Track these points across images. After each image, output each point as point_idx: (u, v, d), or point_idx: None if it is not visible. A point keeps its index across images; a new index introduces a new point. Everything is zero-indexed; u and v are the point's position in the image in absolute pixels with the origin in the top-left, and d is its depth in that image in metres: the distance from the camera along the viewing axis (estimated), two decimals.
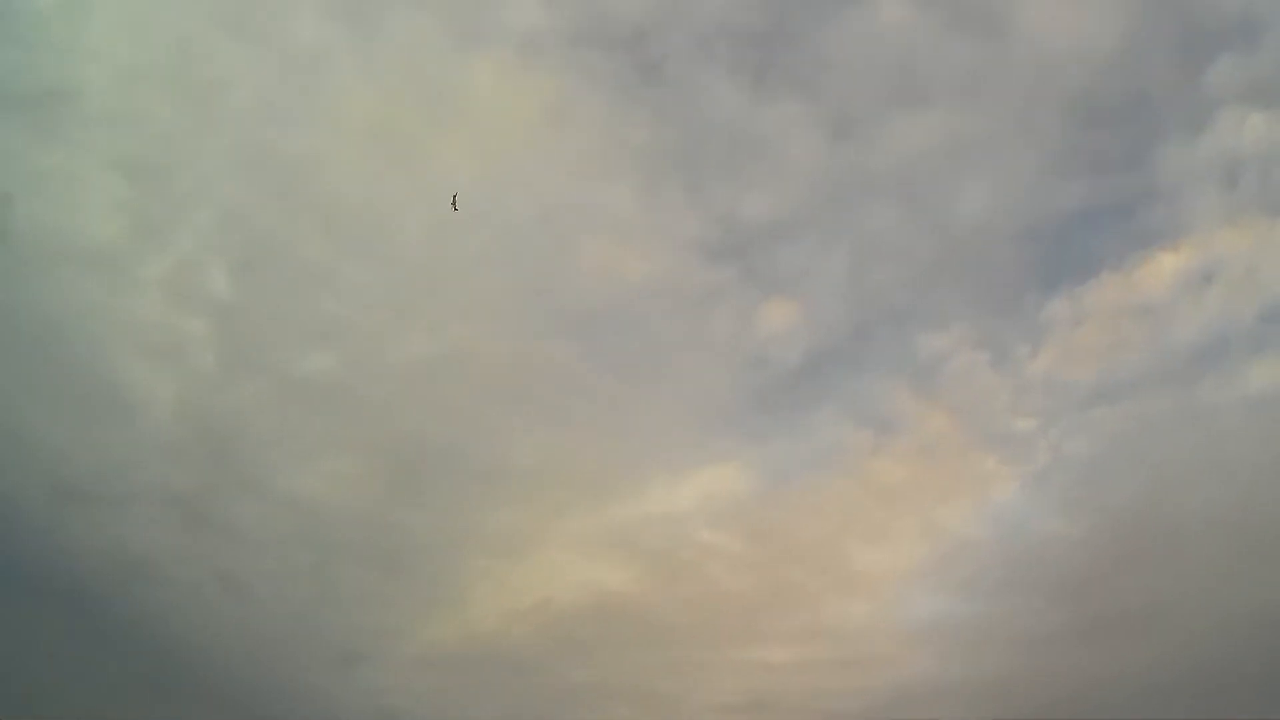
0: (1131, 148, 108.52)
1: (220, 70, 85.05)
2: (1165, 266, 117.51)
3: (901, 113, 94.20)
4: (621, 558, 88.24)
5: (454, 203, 64.45)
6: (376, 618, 79.73)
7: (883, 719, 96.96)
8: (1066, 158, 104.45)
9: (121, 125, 77.57)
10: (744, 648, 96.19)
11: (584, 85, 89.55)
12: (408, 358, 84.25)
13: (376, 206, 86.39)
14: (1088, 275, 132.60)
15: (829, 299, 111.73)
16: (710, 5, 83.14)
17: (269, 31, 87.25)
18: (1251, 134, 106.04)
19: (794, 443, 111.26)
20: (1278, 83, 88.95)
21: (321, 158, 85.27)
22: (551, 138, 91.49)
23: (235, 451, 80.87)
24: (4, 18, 74.58)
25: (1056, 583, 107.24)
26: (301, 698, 72.43)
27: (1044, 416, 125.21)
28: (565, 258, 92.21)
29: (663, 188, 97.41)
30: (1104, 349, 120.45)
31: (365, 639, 78.13)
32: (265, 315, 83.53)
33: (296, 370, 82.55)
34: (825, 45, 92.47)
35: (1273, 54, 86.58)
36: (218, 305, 79.92)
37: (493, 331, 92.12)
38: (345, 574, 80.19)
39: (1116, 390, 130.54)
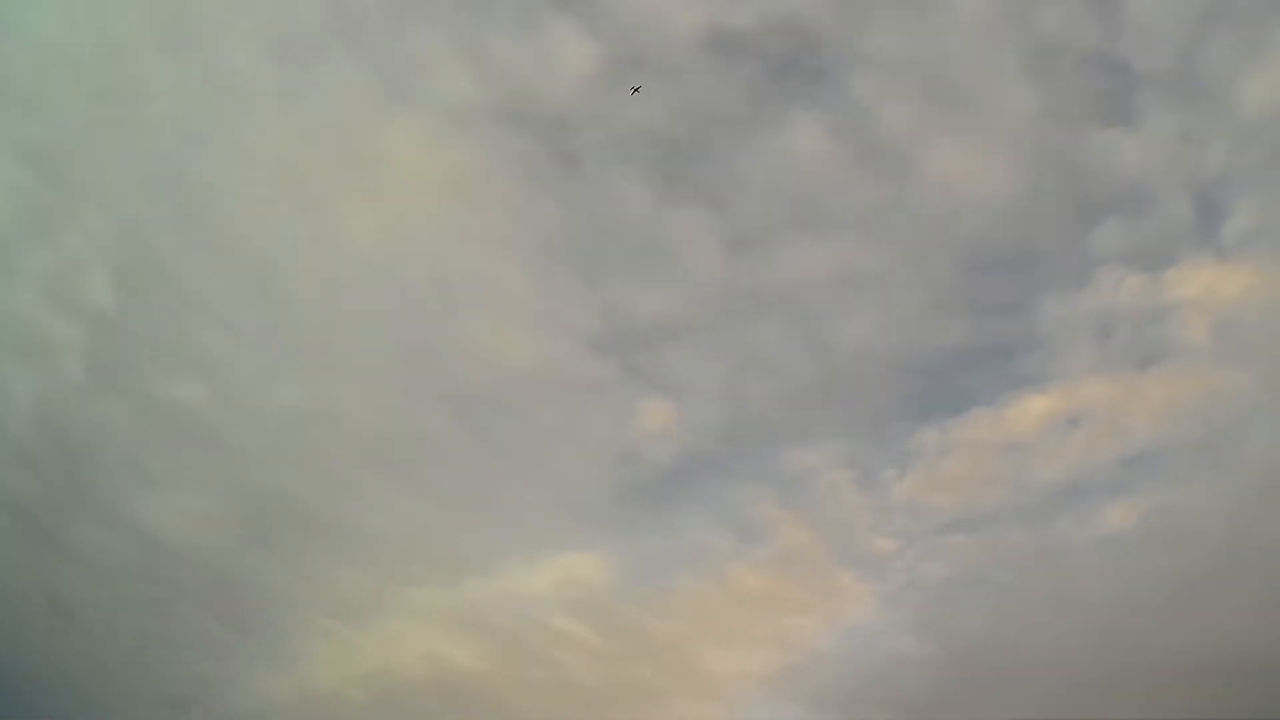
0: (1015, 295, 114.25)
1: (143, 77, 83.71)
2: (1034, 409, 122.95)
3: (801, 237, 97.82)
4: (470, 635, 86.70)
5: None
6: (210, 665, 76.35)
7: None
8: (953, 298, 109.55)
9: (34, 111, 75.34)
10: None
11: (499, 163, 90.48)
12: (280, 404, 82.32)
13: (274, 247, 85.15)
14: (960, 410, 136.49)
15: (706, 405, 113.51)
16: (634, 107, 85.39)
17: (199, 50, 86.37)
18: (1128, 294, 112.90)
19: (657, 541, 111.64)
20: (1157, 249, 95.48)
21: (228, 187, 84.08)
22: (459, 209, 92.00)
23: (89, 469, 77.26)
24: None
25: (903, 701, 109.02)
26: None
27: (903, 539, 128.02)
28: (454, 330, 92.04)
29: (560, 275, 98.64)
30: (968, 480, 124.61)
31: (196, 685, 74.62)
32: (143, 335, 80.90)
33: (165, 396, 79.80)
34: (738, 162, 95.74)
35: (1156, 223, 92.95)
36: (96, 315, 77.00)
37: (370, 392, 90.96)
38: (183, 615, 76.78)
39: (976, 521, 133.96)
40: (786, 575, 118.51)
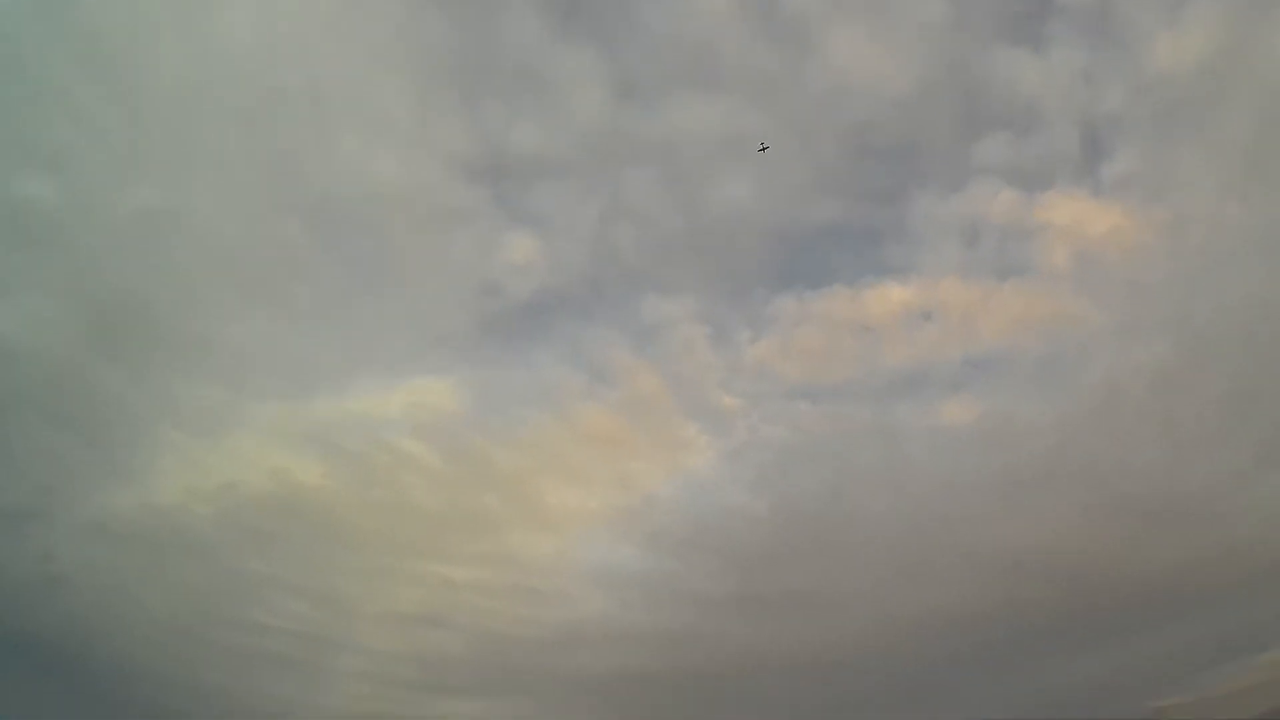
0: (892, 186, 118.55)
1: None
2: (893, 297, 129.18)
3: (690, 92, 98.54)
4: (316, 453, 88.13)
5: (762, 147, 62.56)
6: (51, 476, 75.56)
7: (552, 651, 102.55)
8: (831, 178, 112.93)
9: None
10: (427, 562, 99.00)
11: None
12: (134, 206, 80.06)
13: (138, 37, 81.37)
14: (821, 285, 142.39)
15: (572, 245, 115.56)
16: None
17: None
18: (1001, 207, 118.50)
19: (510, 374, 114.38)
20: (1036, 172, 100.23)
21: None
22: (341, 17, 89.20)
23: None
24: None
25: (735, 553, 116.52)
26: None
27: (750, 399, 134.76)
28: (322, 142, 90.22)
29: (439, 97, 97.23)
30: (819, 353, 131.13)
31: (36, 496, 73.94)
32: None
33: (10, 194, 76.57)
34: (638, 7, 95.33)
35: (1041, 148, 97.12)
36: None
37: (228, 199, 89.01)
38: (22, 423, 75.49)
39: (821, 392, 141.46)
40: (633, 421, 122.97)
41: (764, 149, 76.02)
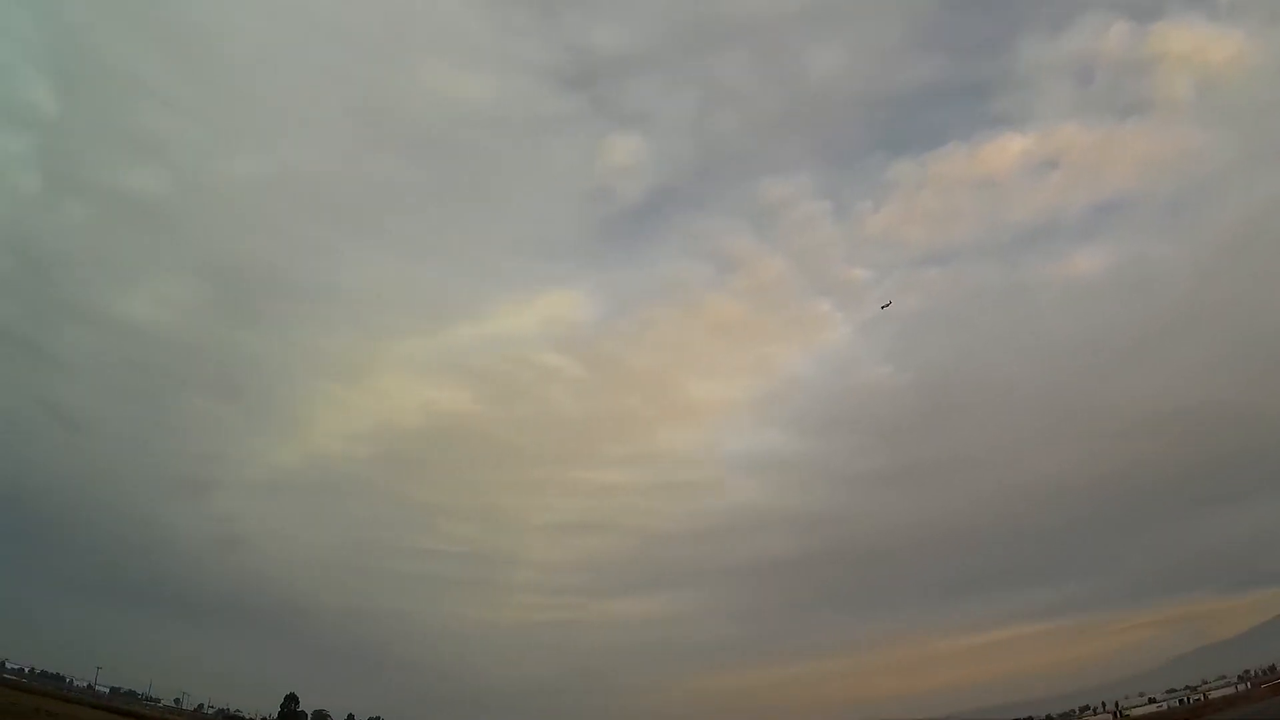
0: (995, 34, 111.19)
1: None
2: (1011, 149, 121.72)
3: None
4: (462, 380, 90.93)
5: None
6: (218, 444, 79.95)
7: (710, 542, 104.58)
8: (929, 34, 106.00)
9: None
10: (582, 469, 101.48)
11: None
12: (238, 176, 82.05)
13: (207, 19, 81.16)
14: (936, 145, 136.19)
15: (676, 138, 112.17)
16: None
17: None
18: (1113, 41, 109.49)
19: (635, 274, 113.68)
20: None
21: None
22: None
23: (62, 276, 77.75)
24: None
25: (876, 427, 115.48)
26: (146, 527, 72.73)
27: (878, 270, 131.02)
28: (409, 77, 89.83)
29: (513, 11, 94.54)
30: (942, 215, 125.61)
31: (209, 466, 78.29)
32: (91, 130, 78.88)
33: (123, 188, 79.03)
34: None
35: None
36: (41, 121, 74.45)
37: (326, 151, 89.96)
38: (183, 400, 79.66)
39: (948, 255, 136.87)
40: (762, 305, 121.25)
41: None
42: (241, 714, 61.46)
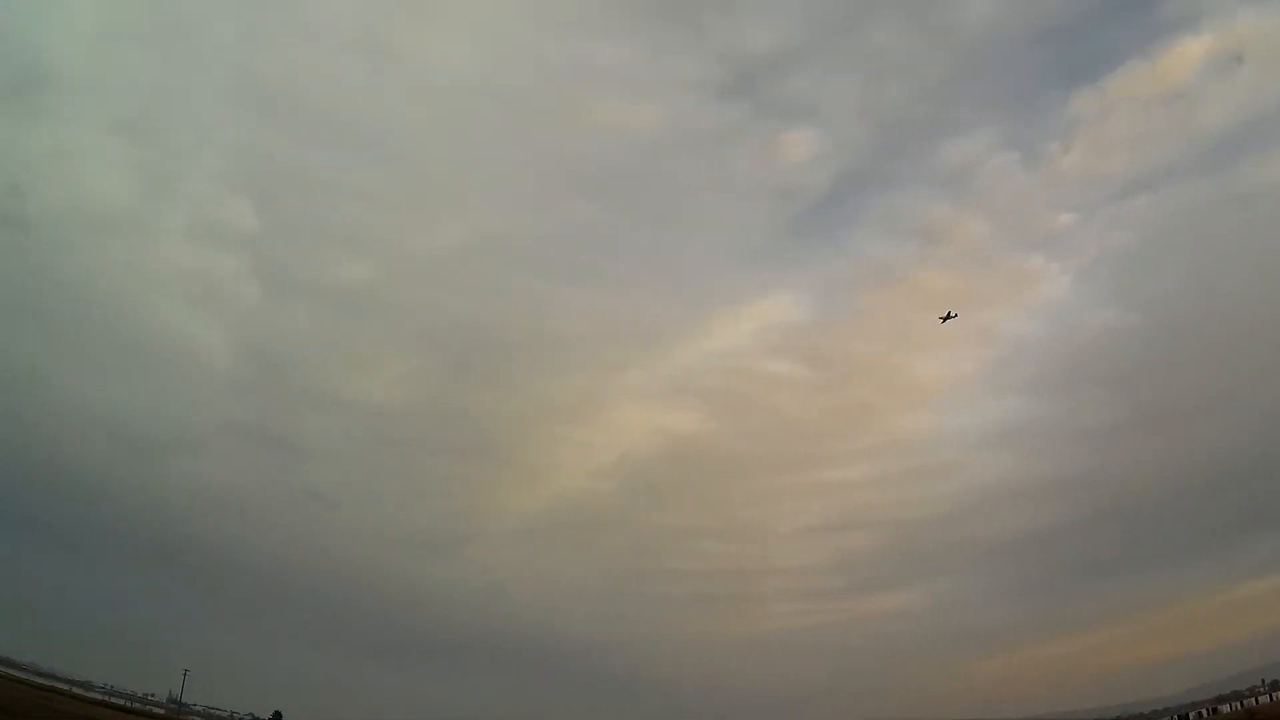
0: None
1: (196, 9, 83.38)
2: (1191, 52, 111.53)
3: None
4: (689, 401, 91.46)
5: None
6: (468, 500, 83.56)
7: (958, 525, 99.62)
8: None
9: (108, 89, 77.36)
10: (819, 470, 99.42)
11: None
12: (439, 249, 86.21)
13: (375, 110, 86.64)
14: (1111, 67, 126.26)
15: (848, 120, 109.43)
16: None
17: None
18: None
19: (837, 265, 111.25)
20: None
21: (312, 74, 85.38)
22: (532, 2, 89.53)
23: (294, 373, 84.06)
24: None
25: (1114, 375, 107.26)
26: (412, 587, 76.81)
27: (1083, 211, 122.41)
28: (574, 119, 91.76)
29: (660, 33, 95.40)
30: (1136, 139, 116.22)
31: (462, 522, 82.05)
32: (296, 236, 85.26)
33: (334, 281, 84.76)
34: None
35: None
36: (248, 237, 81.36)
37: (515, 206, 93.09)
38: (430, 465, 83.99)
39: (1153, 179, 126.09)
40: (973, 270, 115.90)
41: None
42: None
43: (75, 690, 54.82)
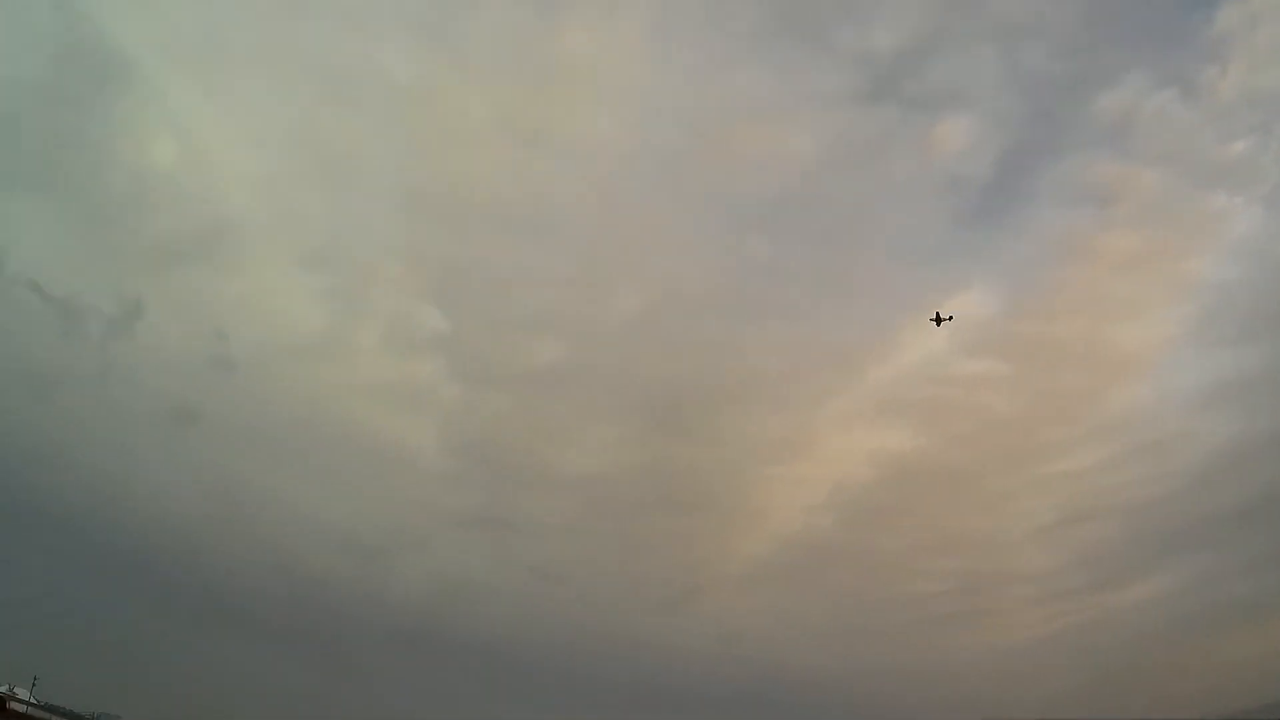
0: None
1: (352, 137, 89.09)
2: None
3: None
4: (893, 419, 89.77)
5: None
6: (692, 553, 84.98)
7: (1198, 497, 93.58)
8: None
9: (289, 227, 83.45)
10: (1040, 465, 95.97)
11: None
12: (624, 314, 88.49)
13: (535, 193, 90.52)
14: None
15: (994, 97, 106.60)
16: None
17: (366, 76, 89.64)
18: None
19: (1016, 247, 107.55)
20: None
21: (469, 171, 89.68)
22: (661, 53, 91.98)
23: (504, 458, 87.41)
24: None
25: None
26: (644, 647, 78.73)
27: (1256, 133, 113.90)
28: (726, 159, 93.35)
29: (788, 55, 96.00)
30: None
31: (688, 575, 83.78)
32: (482, 331, 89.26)
33: (533, 367, 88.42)
34: None
35: None
36: (439, 340, 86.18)
37: (686, 257, 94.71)
38: (648, 524, 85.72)
39: None
40: (1154, 224, 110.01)
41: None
42: None
43: None
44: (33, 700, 41.35)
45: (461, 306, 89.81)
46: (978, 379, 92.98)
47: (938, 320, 66.39)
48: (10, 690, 40.62)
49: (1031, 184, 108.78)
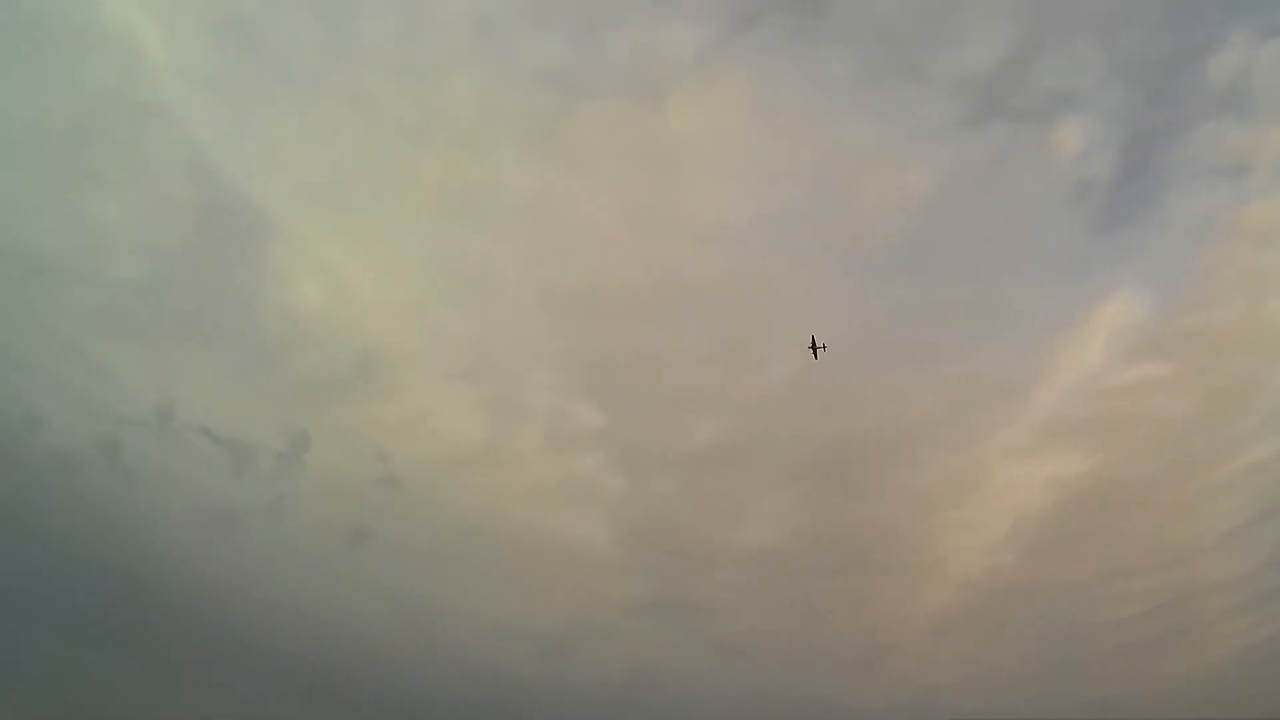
0: None
1: (482, 251, 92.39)
2: None
3: None
4: (1065, 442, 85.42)
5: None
6: (876, 613, 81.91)
7: None
8: None
9: (438, 348, 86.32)
10: (1223, 463, 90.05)
11: (764, 56, 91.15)
12: (776, 381, 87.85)
13: (674, 274, 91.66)
14: None
15: (1102, 90, 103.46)
16: None
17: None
18: None
19: (1158, 239, 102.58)
20: None
21: (605, 264, 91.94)
22: (766, 116, 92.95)
23: (675, 541, 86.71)
24: None
25: None
26: (840, 711, 75.56)
27: None
28: (851, 212, 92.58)
29: (887, 96, 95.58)
30: None
31: (872, 635, 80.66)
32: (639, 418, 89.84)
33: (687, 450, 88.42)
34: None
35: None
36: (598, 433, 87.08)
37: (831, 315, 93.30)
38: (827, 590, 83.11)
39: None
40: None
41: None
42: None
43: None
44: None
45: (614, 398, 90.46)
46: (1142, 384, 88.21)
47: (814, 349, 64.58)
48: None
49: (1158, 171, 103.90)
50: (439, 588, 74.59)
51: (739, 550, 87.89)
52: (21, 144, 74.55)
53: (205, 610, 65.93)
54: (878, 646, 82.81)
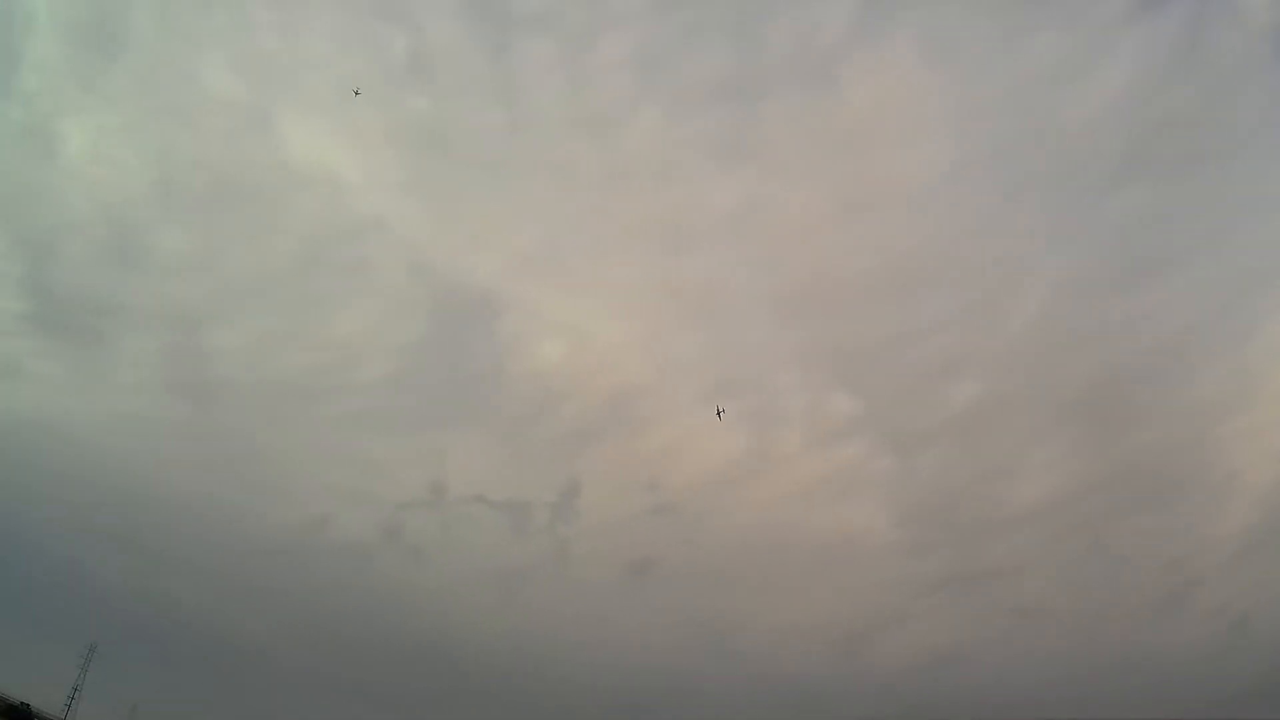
0: None
1: (692, 278, 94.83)
2: None
3: None
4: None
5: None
6: (1176, 545, 76.61)
7: None
8: None
9: (677, 370, 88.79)
10: None
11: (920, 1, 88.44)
12: (1020, 325, 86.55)
13: (880, 252, 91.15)
14: None
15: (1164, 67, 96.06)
16: None
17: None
18: None
19: None
20: None
21: (811, 263, 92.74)
22: (937, 59, 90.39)
23: (958, 512, 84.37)
24: None
25: None
26: (1146, 655, 71.45)
27: None
28: (1055, 126, 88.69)
29: (1053, 5, 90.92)
30: None
31: (1179, 570, 75.82)
32: (893, 395, 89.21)
33: (951, 412, 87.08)
34: None
35: None
36: (856, 420, 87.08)
37: (1057, 239, 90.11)
38: (1122, 528, 78.77)
39: None
40: None
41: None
42: None
43: None
44: None
45: (864, 382, 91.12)
46: None
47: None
48: None
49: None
50: (727, 601, 76.54)
51: (1022, 507, 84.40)
52: (252, 289, 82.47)
53: (505, 664, 69.79)
54: (1183, 582, 77.22)
